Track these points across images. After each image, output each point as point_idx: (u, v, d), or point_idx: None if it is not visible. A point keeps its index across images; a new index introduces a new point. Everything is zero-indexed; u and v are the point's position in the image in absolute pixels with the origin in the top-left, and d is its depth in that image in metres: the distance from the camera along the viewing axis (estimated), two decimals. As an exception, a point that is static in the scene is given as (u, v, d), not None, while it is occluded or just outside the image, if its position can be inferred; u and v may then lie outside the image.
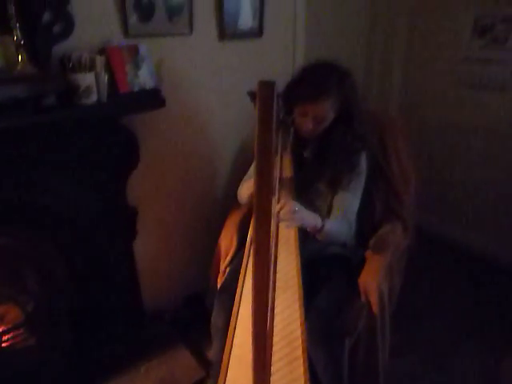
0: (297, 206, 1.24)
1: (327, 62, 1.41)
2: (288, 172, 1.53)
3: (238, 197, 1.64)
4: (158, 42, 1.59)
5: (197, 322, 1.88)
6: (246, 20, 1.84)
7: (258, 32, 1.90)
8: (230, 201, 1.83)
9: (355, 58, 2.65)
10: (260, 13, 1.86)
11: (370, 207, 1.70)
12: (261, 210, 1.02)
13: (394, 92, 2.72)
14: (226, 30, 1.78)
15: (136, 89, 1.44)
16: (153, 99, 1.48)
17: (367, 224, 1.69)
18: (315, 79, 1.36)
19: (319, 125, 1.41)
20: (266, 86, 0.92)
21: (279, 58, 2.03)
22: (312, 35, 2.22)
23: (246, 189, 1.55)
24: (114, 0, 1.46)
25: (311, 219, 1.33)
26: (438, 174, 2.63)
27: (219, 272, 1.69)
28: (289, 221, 1.24)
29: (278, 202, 1.22)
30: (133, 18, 1.51)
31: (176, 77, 1.68)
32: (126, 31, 1.50)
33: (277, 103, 0.93)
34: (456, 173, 2.56)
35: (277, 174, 1.37)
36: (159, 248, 1.94)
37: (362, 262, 1.54)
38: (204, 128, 1.88)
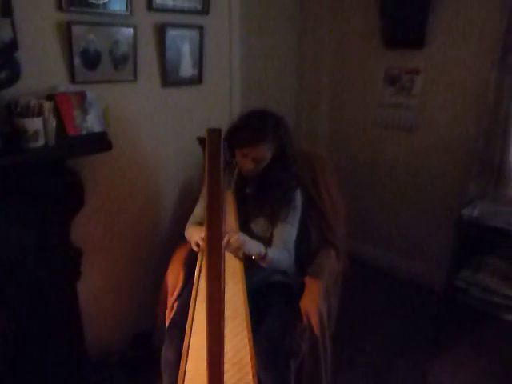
0: (242, 236, 1.38)
1: (263, 109, 1.60)
2: (232, 207, 1.66)
3: (186, 236, 1.72)
4: (105, 88, 1.68)
5: (144, 361, 1.88)
6: (187, 68, 1.99)
7: (198, 79, 2.05)
8: (175, 237, 1.90)
9: (287, 102, 2.92)
10: (199, 62, 2.02)
11: (306, 237, 1.87)
12: (212, 248, 1.11)
13: (321, 133, 3.01)
14: (168, 78, 1.92)
15: (84, 132, 1.50)
16: (100, 142, 1.54)
17: (305, 252, 1.85)
18: (253, 125, 1.54)
19: (258, 165, 1.58)
20: (214, 133, 1.07)
21: (218, 104, 2.20)
22: (247, 82, 2.44)
23: (191, 234, 1.64)
24: (61, 49, 1.54)
25: (255, 247, 1.46)
26: (365, 203, 2.91)
27: (167, 308, 1.73)
28: (236, 249, 1.36)
29: (224, 235, 1.33)
30: (79, 66, 1.59)
31: (122, 121, 1.77)
32: (72, 78, 1.58)
33: (223, 147, 1.06)
34: (379, 202, 2.85)
35: (224, 211, 1.49)
36: (104, 288, 1.93)
37: (302, 288, 1.68)
38: (149, 169, 1.96)
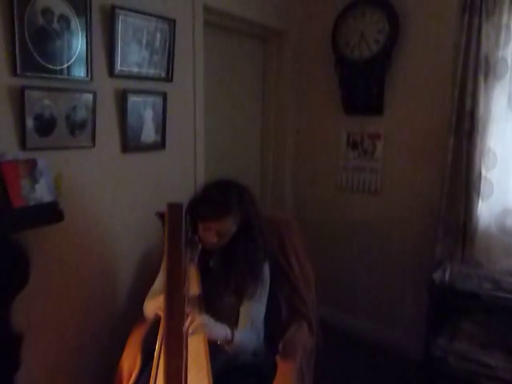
0: (205, 320, 1.24)
1: (226, 180, 1.54)
2: (195, 284, 1.52)
3: (144, 312, 1.56)
4: (59, 155, 1.58)
5: None
6: (149, 134, 1.94)
7: (160, 145, 1.99)
8: (132, 316, 1.72)
9: (251, 167, 2.91)
10: (162, 127, 1.98)
11: (276, 310, 1.74)
12: (172, 333, 1.01)
13: (287, 197, 2.98)
14: (129, 143, 1.85)
15: (32, 203, 1.37)
16: (50, 213, 1.41)
17: (275, 327, 1.72)
18: (216, 198, 1.46)
19: (222, 238, 1.48)
20: (175, 209, 0.97)
21: (182, 170, 2.13)
22: (211, 149, 2.41)
23: (152, 306, 1.49)
24: (12, 114, 1.45)
25: (220, 330, 1.32)
26: (332, 267, 2.84)
27: (122, 399, 1.52)
28: (198, 334, 1.22)
29: (187, 317, 1.19)
30: (31, 132, 1.49)
31: (77, 189, 1.65)
32: (23, 144, 1.47)
33: (185, 223, 0.97)
34: (347, 266, 2.79)
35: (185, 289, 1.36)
36: (48, 379, 1.68)
37: (273, 369, 1.52)
38: (104, 240, 1.81)
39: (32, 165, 1.40)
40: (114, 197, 1.82)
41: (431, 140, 2.35)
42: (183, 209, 0.98)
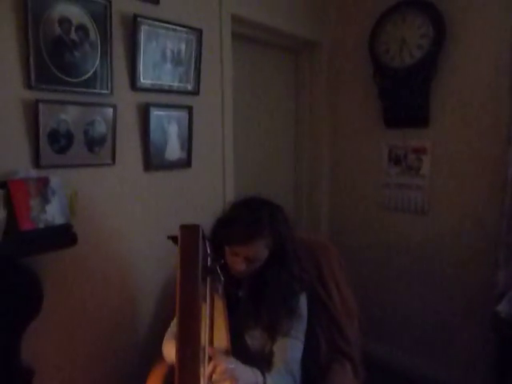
0: (232, 363, 1.05)
1: (257, 198, 1.35)
2: (222, 318, 1.33)
3: (164, 354, 1.38)
4: (76, 173, 1.46)
5: None
6: (174, 151, 1.80)
7: (186, 163, 1.85)
8: (153, 352, 1.54)
9: (284, 186, 2.72)
10: (188, 144, 1.84)
11: (314, 348, 1.52)
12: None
13: (323, 218, 2.77)
14: (152, 161, 1.72)
15: (41, 225, 1.24)
16: (62, 236, 1.28)
17: (313, 368, 1.49)
18: (246, 219, 1.26)
19: (252, 265, 1.29)
20: (189, 231, 0.79)
21: (209, 189, 1.98)
22: (241, 167, 2.25)
23: (169, 352, 1.31)
24: (25, 130, 1.34)
25: (250, 376, 1.12)
26: (375, 298, 2.57)
27: None
28: (224, 382, 1.02)
29: (209, 362, 1.00)
30: (46, 149, 1.38)
31: (94, 210, 1.52)
32: (37, 163, 1.36)
33: (203, 248, 0.79)
34: (390, 295, 2.51)
35: (204, 328, 1.17)
36: (60, 420, 1.52)
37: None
38: (124, 267, 1.66)
39: (44, 183, 1.28)
40: (134, 219, 1.67)
41: (486, 153, 2.09)
42: (199, 231, 0.78)
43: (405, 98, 2.26)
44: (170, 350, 1.31)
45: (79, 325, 1.52)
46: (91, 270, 1.52)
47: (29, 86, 1.33)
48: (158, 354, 1.47)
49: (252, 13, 2.08)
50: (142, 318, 1.74)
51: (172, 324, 1.43)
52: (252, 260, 1.26)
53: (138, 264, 1.70)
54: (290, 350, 1.30)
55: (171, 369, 1.47)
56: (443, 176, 2.25)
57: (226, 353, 1.18)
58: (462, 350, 2.23)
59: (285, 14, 2.28)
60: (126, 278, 1.66)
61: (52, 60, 1.37)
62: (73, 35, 1.42)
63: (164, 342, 1.39)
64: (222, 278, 1.17)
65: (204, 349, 1.05)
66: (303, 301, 1.37)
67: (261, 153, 2.49)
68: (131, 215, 1.66)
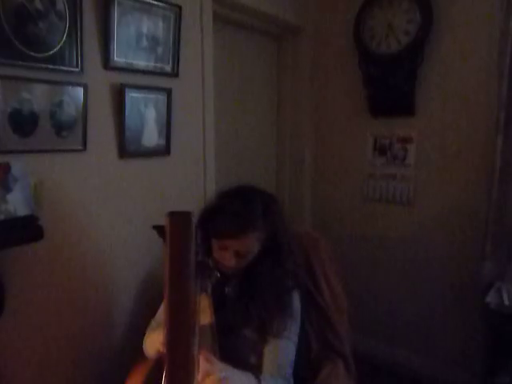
0: (224, 371, 0.94)
1: (249, 185, 1.24)
2: (208, 316, 1.21)
3: (144, 349, 1.26)
4: (42, 160, 1.31)
5: None
6: (152, 137, 1.66)
7: (164, 150, 1.72)
8: (131, 353, 1.41)
9: (266, 176, 2.62)
10: (167, 130, 1.70)
11: (305, 346, 1.43)
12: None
13: (305, 212, 2.68)
14: (128, 148, 1.58)
15: (1, 217, 1.09)
16: (26, 230, 1.13)
17: (304, 367, 1.40)
18: (237, 210, 1.14)
19: (242, 260, 1.18)
20: (179, 220, 0.67)
21: (189, 179, 1.85)
22: (223, 154, 2.14)
23: (155, 342, 1.19)
24: (-19, 111, 1.18)
25: (244, 382, 1.01)
26: (361, 291, 2.51)
27: None
28: None
29: (198, 368, 0.89)
30: (7, 132, 1.22)
31: (63, 201, 1.37)
32: (-5, 146, 1.20)
33: (194, 240, 0.68)
34: (377, 289, 2.47)
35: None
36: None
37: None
38: (97, 263, 1.52)
39: (3, 170, 1.13)
40: (108, 210, 1.53)
41: (473, 142, 2.06)
42: (192, 219, 0.65)
43: (391, 85, 2.20)
44: (152, 342, 1.19)
45: (48, 325, 1.37)
46: (60, 266, 1.37)
47: (-15, 60, 1.17)
48: (137, 353, 1.35)
49: (234, -9, 1.96)
50: (118, 317, 1.60)
51: (153, 319, 1.31)
52: (242, 255, 1.15)
53: (112, 259, 1.56)
54: (283, 352, 1.21)
55: (153, 367, 1.36)
56: (429, 166, 2.21)
57: (213, 355, 1.07)
58: (451, 341, 2.20)
59: (268, -4, 2.16)
60: (100, 275, 1.52)
61: (13, 31, 1.21)
62: (37, 3, 1.26)
63: (145, 336, 1.27)
64: (218, 275, 1.05)
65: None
66: (296, 298, 1.27)
67: (241, 143, 2.38)
68: (104, 207, 1.52)
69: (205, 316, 1.20)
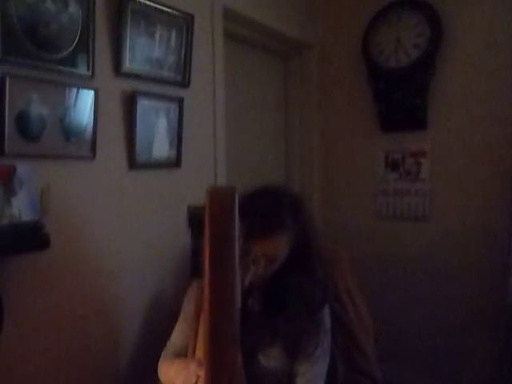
0: None
1: (276, 186, 1.16)
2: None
3: (160, 376, 1.13)
4: (49, 166, 1.22)
5: None
6: (163, 148, 1.59)
7: (175, 162, 1.65)
8: (139, 377, 1.28)
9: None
10: (178, 141, 1.64)
11: (332, 369, 1.30)
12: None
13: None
14: (138, 158, 1.50)
15: (5, 221, 0.99)
16: (30, 236, 1.03)
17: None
18: (264, 209, 1.06)
19: (270, 266, 1.07)
20: (224, 195, 0.59)
21: (200, 193, 1.75)
22: (233, 169, 2.06)
23: (166, 372, 1.07)
24: (-12, 111, 1.11)
25: None
26: (373, 312, 2.38)
27: None
28: None
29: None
30: (13, 134, 1.14)
31: (70, 210, 1.28)
32: (1, 149, 1.11)
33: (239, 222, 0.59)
34: (391, 309, 2.33)
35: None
36: None
37: None
38: (105, 278, 1.40)
39: (8, 171, 1.04)
40: (117, 223, 1.43)
41: (489, 153, 2.00)
42: (236, 197, 0.56)
43: (401, 99, 2.17)
44: (171, 369, 1.06)
45: (50, 345, 1.24)
46: (66, 277, 1.25)
47: (-6, 58, 1.11)
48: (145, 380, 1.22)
49: (244, 7, 1.95)
50: (127, 338, 1.47)
51: (171, 340, 1.18)
52: (270, 259, 1.05)
53: (121, 274, 1.44)
54: (317, 374, 1.10)
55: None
56: (444, 179, 2.14)
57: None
58: (477, 367, 2.05)
59: (277, 13, 2.16)
60: (108, 290, 1.40)
61: (24, 30, 1.16)
62: (49, 4, 1.21)
63: (160, 362, 1.14)
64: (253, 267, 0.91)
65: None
66: (327, 312, 1.16)
67: (251, 159, 2.31)
68: (113, 218, 1.42)
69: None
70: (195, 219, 0.56)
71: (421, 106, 2.15)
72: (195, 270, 0.74)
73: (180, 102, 1.62)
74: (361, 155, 2.42)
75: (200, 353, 1.04)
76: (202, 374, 0.84)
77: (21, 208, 1.03)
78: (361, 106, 2.38)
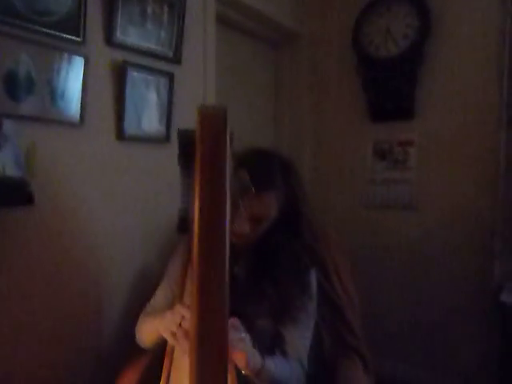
0: (242, 333, 0.84)
1: (267, 148, 1.16)
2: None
3: (138, 336, 1.12)
4: (36, 128, 1.20)
5: None
6: (152, 122, 1.58)
7: (164, 138, 1.63)
8: (123, 349, 1.26)
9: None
10: (168, 116, 1.63)
11: (317, 342, 1.30)
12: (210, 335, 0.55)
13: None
14: (127, 129, 1.48)
15: (-12, 174, 0.97)
16: (14, 191, 1.01)
17: (317, 363, 1.26)
18: (254, 166, 1.05)
19: (258, 225, 1.07)
20: (215, 114, 0.59)
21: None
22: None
23: (154, 325, 1.05)
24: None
25: (255, 355, 0.89)
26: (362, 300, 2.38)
27: None
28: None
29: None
30: (0, 93, 1.12)
31: (55, 174, 1.25)
32: (-14, 107, 1.10)
33: (230, 144, 0.59)
34: (380, 298, 2.34)
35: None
36: None
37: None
38: (89, 248, 1.37)
39: (-5, 125, 1.02)
40: (103, 192, 1.41)
41: (476, 141, 2.04)
42: (227, 115, 0.56)
43: (390, 88, 2.21)
44: (150, 325, 1.04)
45: (30, 314, 1.21)
46: (46, 241, 1.22)
47: (-19, 15, 1.09)
48: (129, 352, 1.20)
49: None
50: (110, 311, 1.44)
51: (151, 303, 1.17)
52: (259, 218, 1.04)
53: (106, 244, 1.42)
54: (298, 337, 1.09)
55: (145, 369, 1.20)
56: (432, 167, 2.18)
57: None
58: (463, 349, 2.07)
59: (270, 0, 2.18)
60: (92, 259, 1.37)
61: (13, -11, 1.14)
62: (42, -34, 1.20)
63: (139, 321, 1.12)
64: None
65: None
66: (314, 278, 1.16)
67: (239, 144, 2.30)
68: (100, 188, 1.40)
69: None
70: (186, 144, 0.53)
71: (409, 95, 2.19)
72: (183, 226, 0.71)
73: (170, 77, 1.61)
74: (350, 144, 2.45)
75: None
76: (186, 314, 0.83)
77: (5, 162, 1.01)
78: (351, 95, 2.41)
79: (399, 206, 2.28)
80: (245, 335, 0.86)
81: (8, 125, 1.04)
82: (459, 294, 2.08)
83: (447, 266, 2.13)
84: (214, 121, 0.55)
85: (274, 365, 0.98)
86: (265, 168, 1.05)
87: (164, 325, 0.88)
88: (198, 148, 0.57)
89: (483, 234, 2.00)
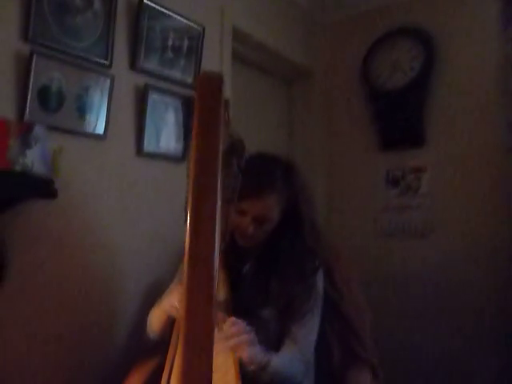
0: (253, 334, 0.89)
1: (270, 152, 1.23)
2: (222, 293, 1.12)
3: (149, 328, 1.15)
4: (63, 136, 1.32)
5: None
6: (169, 141, 1.70)
7: (181, 157, 1.73)
8: (131, 355, 1.28)
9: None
10: (185, 136, 1.74)
11: (326, 352, 1.28)
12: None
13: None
14: (145, 146, 1.60)
15: (18, 168, 1.07)
16: (40, 186, 1.10)
17: (325, 374, 1.24)
18: (256, 170, 1.12)
19: (261, 227, 1.12)
20: (211, 80, 0.66)
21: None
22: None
23: (157, 311, 1.08)
24: (16, 80, 1.23)
25: (261, 351, 0.92)
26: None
27: None
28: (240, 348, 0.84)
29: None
30: (34, 104, 1.26)
31: (78, 181, 1.35)
32: (21, 115, 1.23)
33: (224, 112, 0.66)
34: (393, 330, 2.26)
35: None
36: None
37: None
38: (104, 253, 1.44)
39: (26, 128, 1.13)
40: (121, 204, 1.50)
41: (487, 166, 2.06)
42: (223, 80, 0.65)
43: (399, 118, 2.28)
44: (160, 308, 1.08)
45: (48, 306, 1.26)
46: (66, 237, 1.30)
47: (25, 38, 1.25)
48: (138, 356, 1.22)
49: (252, 29, 2.14)
50: (123, 317, 1.48)
51: (158, 303, 1.20)
52: (261, 220, 1.09)
53: (122, 253, 1.48)
54: (303, 336, 1.10)
55: (152, 372, 1.21)
56: (445, 193, 2.18)
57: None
58: (479, 380, 1.95)
59: (283, 39, 2.35)
60: (108, 267, 1.44)
61: (53, 19, 1.31)
62: (77, 1, 1.38)
63: (150, 315, 1.15)
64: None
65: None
66: (320, 278, 1.18)
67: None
68: (118, 200, 1.49)
69: (221, 292, 1.11)
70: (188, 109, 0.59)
71: (417, 123, 2.25)
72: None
73: (189, 100, 1.75)
74: (362, 173, 2.49)
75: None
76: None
77: (34, 161, 1.11)
78: (362, 126, 2.49)
79: (412, 233, 2.27)
80: (251, 332, 0.89)
81: (39, 129, 1.15)
82: (477, 322, 2.00)
83: (463, 295, 2.06)
84: (211, 80, 0.63)
85: (280, 360, 0.99)
86: (266, 171, 1.11)
87: (169, 302, 0.92)
88: (196, 104, 0.63)
89: (500, 261, 1.95)
